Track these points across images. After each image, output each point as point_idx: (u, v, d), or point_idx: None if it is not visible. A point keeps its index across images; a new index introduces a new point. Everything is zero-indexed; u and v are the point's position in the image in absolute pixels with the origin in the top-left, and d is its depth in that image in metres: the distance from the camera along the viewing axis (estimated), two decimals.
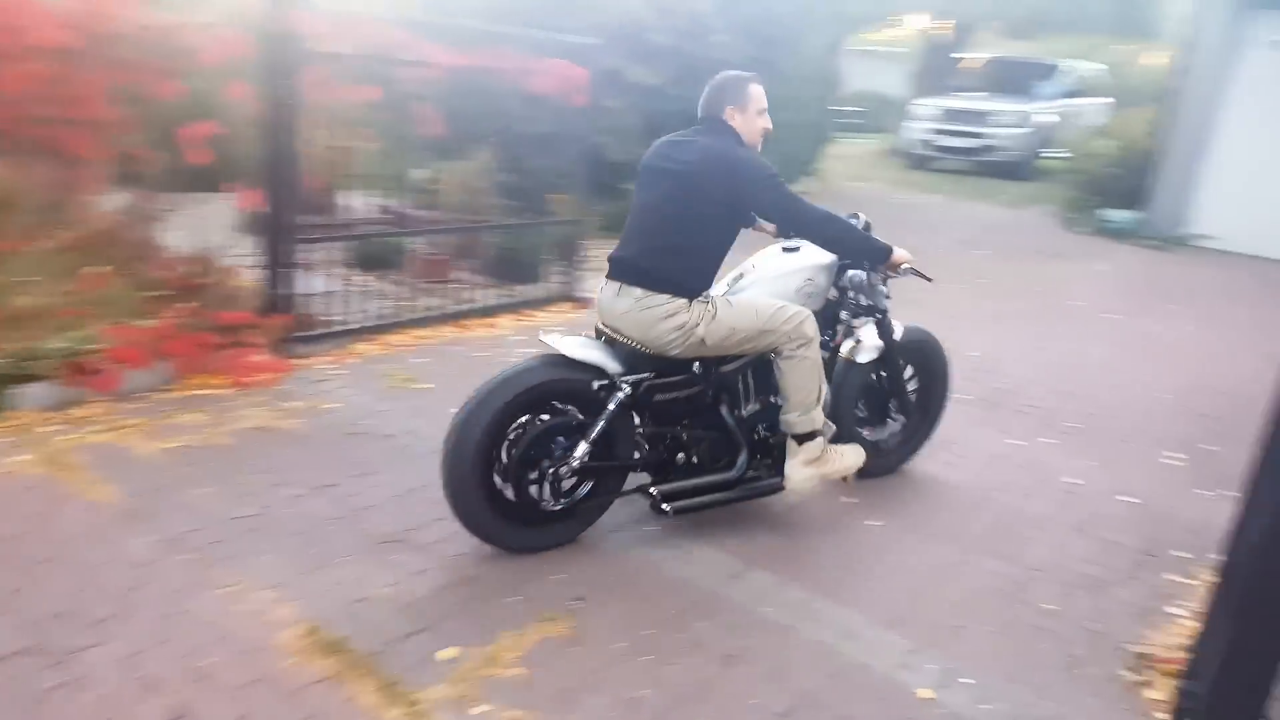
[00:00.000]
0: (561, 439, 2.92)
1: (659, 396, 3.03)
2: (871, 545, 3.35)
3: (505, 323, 5.60)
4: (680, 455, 3.16)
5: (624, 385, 2.92)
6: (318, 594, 2.71)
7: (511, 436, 2.87)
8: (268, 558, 2.88)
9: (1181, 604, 3.11)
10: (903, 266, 3.29)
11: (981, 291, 7.14)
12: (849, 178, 12.77)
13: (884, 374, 3.69)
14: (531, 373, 2.86)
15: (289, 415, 3.96)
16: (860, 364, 3.51)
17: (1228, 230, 8.81)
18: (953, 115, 13.83)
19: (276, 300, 4.57)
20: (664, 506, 3.03)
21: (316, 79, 4.45)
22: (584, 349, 2.92)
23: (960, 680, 2.59)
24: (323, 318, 4.85)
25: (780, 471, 3.20)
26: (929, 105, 14.14)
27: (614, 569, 2.97)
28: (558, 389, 2.91)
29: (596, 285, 3.16)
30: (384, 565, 2.90)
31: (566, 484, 2.94)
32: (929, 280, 3.51)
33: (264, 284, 4.57)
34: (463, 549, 3.00)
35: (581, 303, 6.05)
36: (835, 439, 3.29)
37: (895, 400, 3.78)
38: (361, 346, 4.87)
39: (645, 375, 2.97)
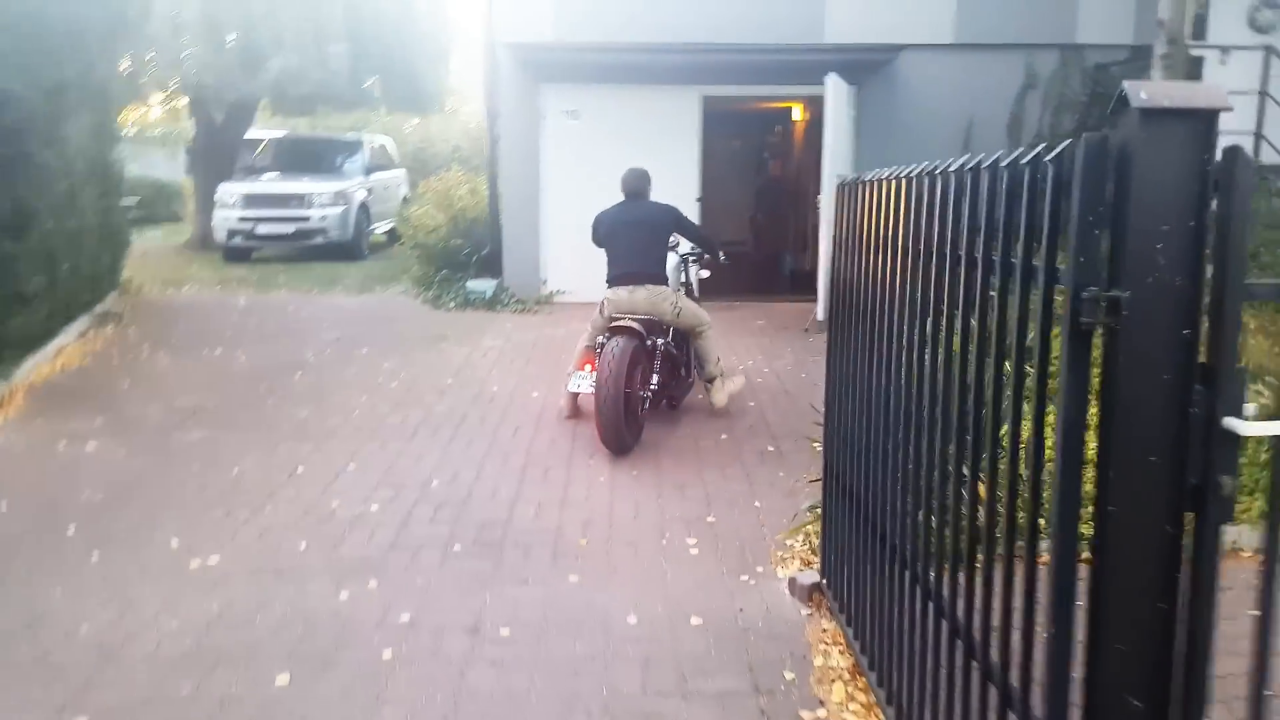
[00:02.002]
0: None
1: (663, 347, 5.37)
2: None
3: None
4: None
5: (660, 342, 5.30)
6: None
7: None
8: None
9: None
10: (721, 257, 5.97)
11: (393, 397, 6.19)
12: (165, 283, 10.62)
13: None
14: (629, 343, 5.01)
15: None
16: None
17: (576, 284, 9.40)
18: (267, 200, 12.59)
19: None
20: (675, 407, 5.80)
21: None
22: (639, 325, 5.12)
23: None
24: None
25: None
26: (238, 190, 12.64)
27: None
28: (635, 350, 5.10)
29: (606, 294, 5.41)
30: None
31: (648, 402, 5.25)
32: (726, 261, 6.03)
33: None
34: None
35: None
36: None
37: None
38: None
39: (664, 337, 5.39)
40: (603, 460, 5.01)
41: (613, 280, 5.37)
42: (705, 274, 5.94)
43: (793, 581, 3.58)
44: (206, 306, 9.40)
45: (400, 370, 6.87)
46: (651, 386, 5.18)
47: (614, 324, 5.15)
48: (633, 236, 5.36)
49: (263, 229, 12.54)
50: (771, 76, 8.87)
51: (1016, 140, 8.74)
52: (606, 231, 5.48)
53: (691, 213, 9.31)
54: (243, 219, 12.50)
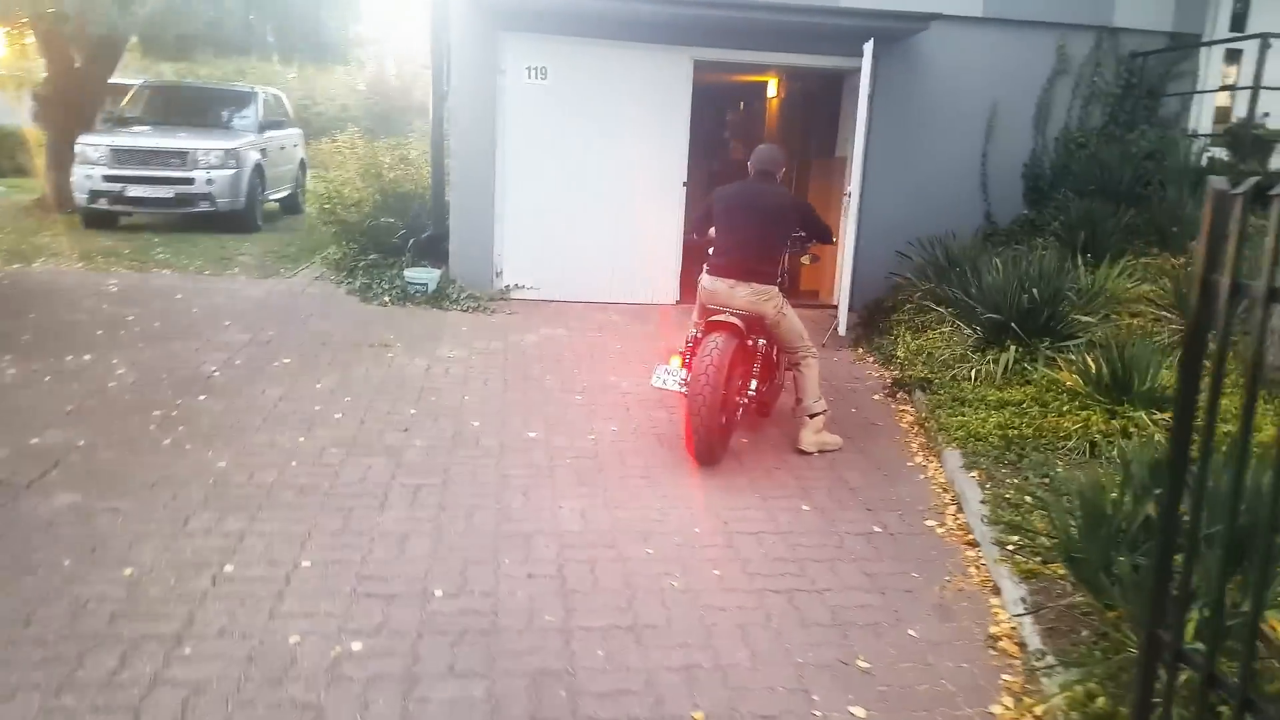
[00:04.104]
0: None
1: (764, 348, 4.82)
2: None
3: None
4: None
5: (762, 343, 4.72)
6: None
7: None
8: None
9: None
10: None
11: (341, 435, 4.66)
12: (9, 254, 8.52)
13: None
14: (730, 342, 4.43)
15: None
16: None
17: (537, 278, 7.93)
18: (140, 156, 10.47)
19: None
20: (766, 415, 5.23)
21: None
22: (740, 321, 4.53)
23: None
24: None
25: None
26: (103, 144, 10.48)
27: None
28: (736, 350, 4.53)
29: (703, 281, 4.77)
30: None
31: (742, 409, 4.70)
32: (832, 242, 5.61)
33: None
34: None
35: None
36: None
37: None
38: None
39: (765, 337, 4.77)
40: (669, 548, 3.67)
41: (714, 269, 4.73)
42: (807, 260, 5.40)
43: None
44: (67, 289, 7.45)
45: (341, 393, 5.30)
46: (749, 392, 4.64)
47: (713, 319, 4.58)
48: (750, 224, 4.70)
49: (135, 191, 10.43)
50: (773, 42, 7.60)
51: (1043, 131, 7.79)
52: (722, 210, 4.81)
53: (678, 200, 8.03)
54: (109, 178, 10.37)
